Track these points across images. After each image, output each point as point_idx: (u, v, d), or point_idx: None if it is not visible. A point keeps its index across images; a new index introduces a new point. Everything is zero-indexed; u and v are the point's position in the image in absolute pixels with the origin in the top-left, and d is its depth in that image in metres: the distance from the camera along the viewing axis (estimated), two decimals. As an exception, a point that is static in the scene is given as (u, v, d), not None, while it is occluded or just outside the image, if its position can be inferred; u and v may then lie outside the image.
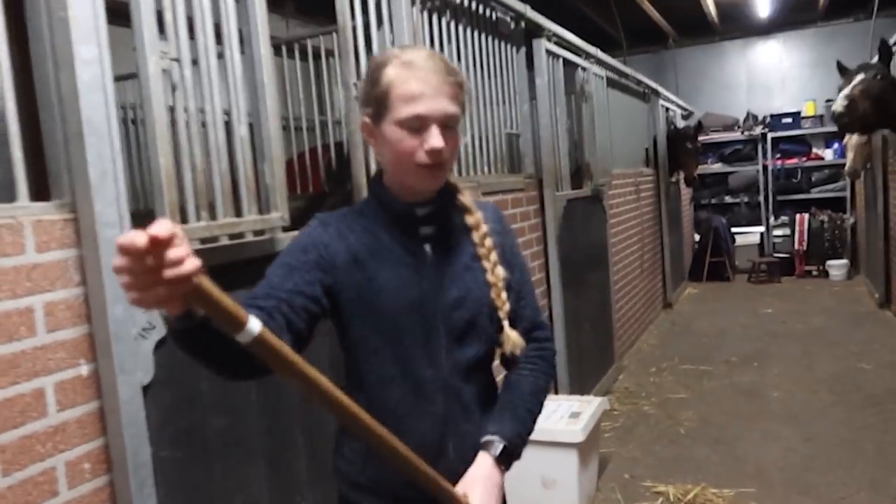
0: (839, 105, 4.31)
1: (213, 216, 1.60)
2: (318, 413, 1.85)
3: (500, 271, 1.23)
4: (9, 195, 1.29)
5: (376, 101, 1.14)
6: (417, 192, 1.20)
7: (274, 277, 1.13)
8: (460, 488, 1.14)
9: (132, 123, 3.45)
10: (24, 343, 1.29)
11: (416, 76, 1.11)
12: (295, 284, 1.12)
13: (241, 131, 1.67)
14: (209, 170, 1.59)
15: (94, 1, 1.35)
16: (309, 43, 3.76)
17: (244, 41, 1.71)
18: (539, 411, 1.28)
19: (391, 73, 1.13)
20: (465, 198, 1.26)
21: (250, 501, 1.69)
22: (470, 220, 1.24)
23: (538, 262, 3.76)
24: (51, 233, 1.35)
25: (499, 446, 1.19)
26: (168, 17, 1.50)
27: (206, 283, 0.77)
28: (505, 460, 1.20)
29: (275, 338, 0.84)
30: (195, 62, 1.57)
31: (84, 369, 1.39)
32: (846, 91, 4.35)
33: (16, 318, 1.28)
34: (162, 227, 0.72)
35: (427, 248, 1.21)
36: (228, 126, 1.66)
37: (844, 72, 4.73)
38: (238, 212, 1.67)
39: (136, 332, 1.42)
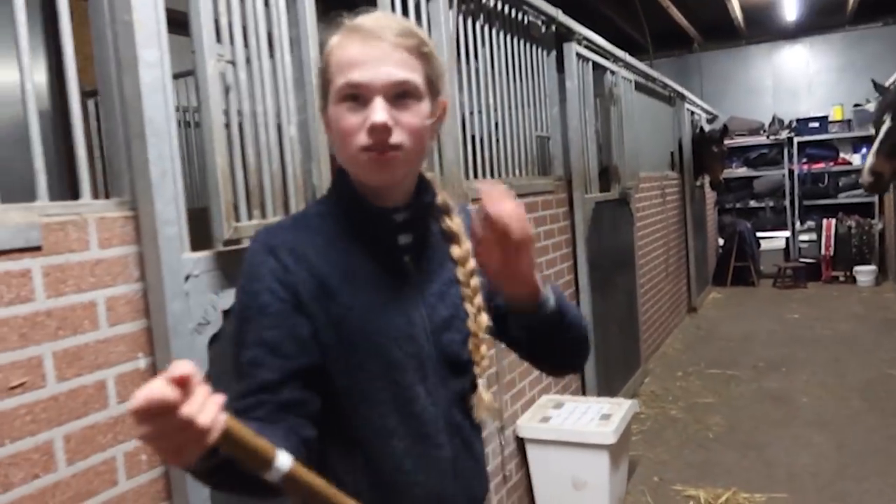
0: (865, 178, 4.56)
1: (263, 215, 1.64)
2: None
3: (483, 319, 1.02)
4: (29, 195, 1.31)
5: (321, 79, 0.96)
6: (385, 192, 0.97)
7: (262, 372, 0.91)
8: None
9: (180, 125, 3.50)
10: (87, 336, 1.33)
11: (357, 39, 0.91)
12: (290, 367, 0.92)
13: (291, 131, 1.71)
14: (260, 169, 1.63)
15: (157, 6, 1.39)
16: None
17: (293, 44, 1.74)
18: (580, 320, 1.08)
19: (333, 41, 0.94)
20: (447, 206, 1.05)
21: (296, 495, 1.72)
22: (456, 251, 1.03)
23: (567, 265, 3.77)
24: (112, 229, 1.39)
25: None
26: (224, 21, 1.54)
27: (234, 422, 0.71)
28: (558, 302, 1.00)
29: (304, 470, 0.76)
30: (248, 61, 1.60)
31: (142, 363, 1.43)
32: (869, 162, 4.54)
33: (80, 311, 1.32)
34: (182, 366, 0.64)
35: (406, 260, 1.01)
36: (279, 126, 1.69)
37: (881, 90, 4.82)
38: (287, 210, 1.71)
39: (192, 327, 1.46)
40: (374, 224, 0.99)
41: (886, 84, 7.13)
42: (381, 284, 0.98)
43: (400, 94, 0.92)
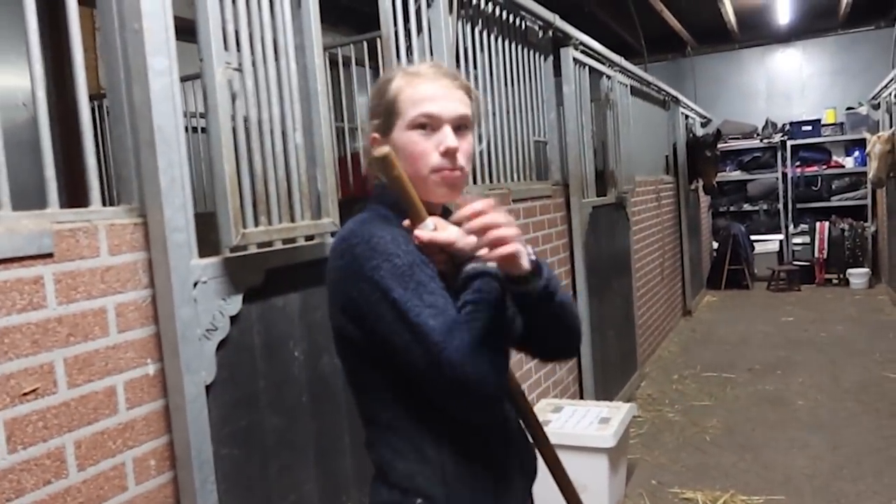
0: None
1: (269, 221, 1.65)
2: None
3: None
4: (40, 201, 1.32)
5: (385, 111, 1.13)
6: (430, 209, 1.12)
7: (449, 308, 1.02)
8: None
9: (186, 130, 3.50)
10: (97, 342, 1.34)
11: (423, 80, 1.11)
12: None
13: (297, 138, 1.72)
14: (266, 176, 1.64)
15: (166, 14, 1.41)
16: (339, 52, 3.82)
17: (298, 51, 1.76)
18: (570, 302, 1.20)
19: (398, 82, 1.13)
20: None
21: (302, 499, 1.73)
22: None
23: (564, 269, 3.79)
24: (122, 236, 1.40)
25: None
26: (230, 29, 1.55)
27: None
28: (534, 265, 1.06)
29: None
30: (254, 68, 1.62)
31: (151, 369, 1.44)
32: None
33: (91, 318, 1.33)
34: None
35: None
36: (284, 133, 1.70)
37: None
38: (292, 217, 1.72)
39: (201, 333, 1.47)
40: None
41: (878, 87, 7.21)
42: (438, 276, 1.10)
43: (459, 126, 1.12)
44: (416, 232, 1.06)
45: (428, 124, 1.10)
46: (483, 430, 1.11)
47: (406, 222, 1.08)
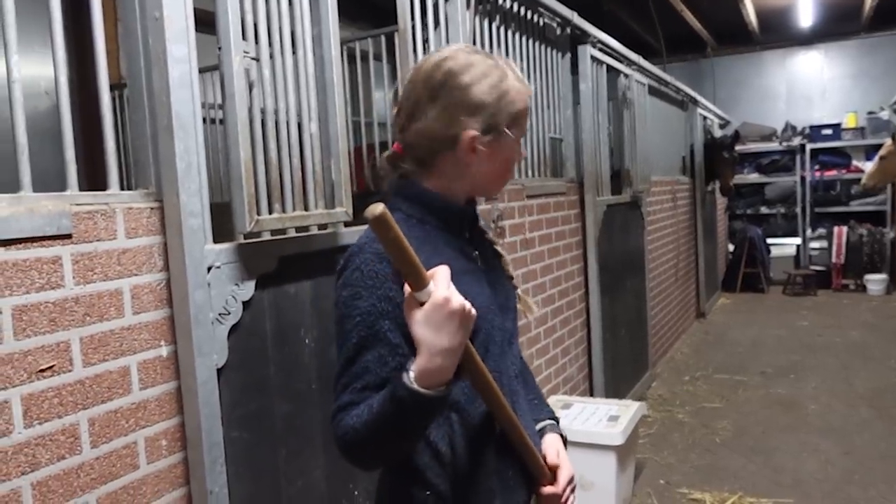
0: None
1: (283, 209, 1.67)
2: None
3: (530, 300, 1.31)
4: (59, 184, 1.35)
5: (508, 114, 1.09)
6: (459, 197, 1.16)
7: (382, 371, 0.99)
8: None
9: (203, 121, 3.53)
10: (112, 323, 1.37)
11: (525, 94, 1.13)
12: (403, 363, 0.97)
13: (312, 128, 1.74)
14: (281, 165, 1.66)
15: (185, 3, 1.43)
16: (357, 46, 3.84)
17: (315, 42, 1.78)
18: None
19: (516, 86, 1.10)
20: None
21: (310, 485, 1.76)
22: (500, 249, 1.26)
23: (577, 266, 3.78)
24: (139, 220, 1.42)
25: (558, 427, 1.29)
26: (249, 19, 1.57)
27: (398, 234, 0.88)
28: (565, 439, 1.30)
29: (471, 349, 0.97)
30: (272, 59, 1.64)
31: (164, 351, 1.47)
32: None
33: (107, 299, 1.36)
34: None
35: (474, 252, 1.18)
36: (299, 123, 1.72)
37: None
38: (306, 206, 1.74)
39: (214, 317, 1.49)
40: (458, 220, 1.15)
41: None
42: (465, 272, 1.11)
43: None
44: (411, 299, 0.93)
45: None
46: (497, 438, 1.12)
47: (406, 289, 0.94)
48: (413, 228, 1.08)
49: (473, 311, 0.92)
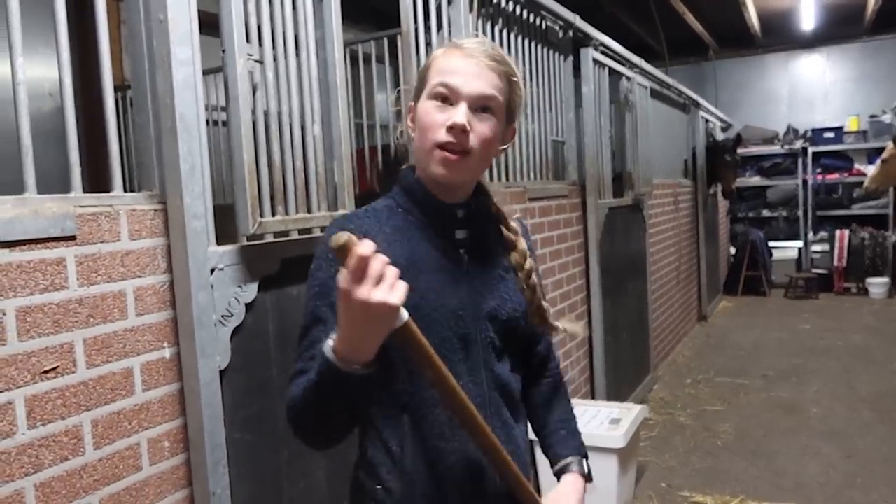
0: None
1: (286, 211, 1.67)
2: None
3: (545, 307, 1.20)
4: (61, 186, 1.35)
5: (420, 77, 1.12)
6: (449, 190, 1.10)
7: (318, 335, 1.01)
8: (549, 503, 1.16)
9: (206, 123, 3.53)
10: (116, 325, 1.37)
11: (459, 54, 1.07)
12: None
13: (315, 130, 1.75)
14: (284, 167, 1.67)
15: (190, 5, 1.44)
16: (360, 48, 3.84)
17: (318, 45, 1.78)
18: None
19: (437, 52, 1.11)
20: (502, 214, 1.20)
21: (311, 487, 1.76)
22: (514, 256, 1.18)
23: (579, 269, 3.79)
24: (142, 222, 1.43)
25: (582, 462, 1.23)
26: (253, 22, 1.58)
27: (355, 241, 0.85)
28: (589, 474, 1.24)
29: (416, 328, 0.89)
30: (275, 61, 1.64)
31: (167, 352, 1.47)
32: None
33: (110, 300, 1.36)
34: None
35: (462, 252, 1.12)
36: (302, 125, 1.73)
37: None
38: (309, 208, 1.74)
39: (216, 319, 1.50)
40: (438, 217, 1.11)
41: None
42: (438, 271, 1.09)
43: (481, 108, 1.06)
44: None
45: (447, 97, 1.04)
46: (446, 440, 1.08)
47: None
48: (394, 217, 1.10)
49: (391, 304, 0.82)
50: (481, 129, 1.05)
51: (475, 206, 1.14)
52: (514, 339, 1.17)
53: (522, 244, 1.18)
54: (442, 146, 1.04)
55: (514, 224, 1.20)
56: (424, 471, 1.07)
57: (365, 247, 0.81)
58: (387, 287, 0.82)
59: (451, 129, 1.02)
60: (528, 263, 1.18)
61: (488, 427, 1.01)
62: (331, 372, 0.89)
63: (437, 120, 1.04)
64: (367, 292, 0.81)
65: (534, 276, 1.18)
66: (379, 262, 0.82)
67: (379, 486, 1.08)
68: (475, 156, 1.06)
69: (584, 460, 1.24)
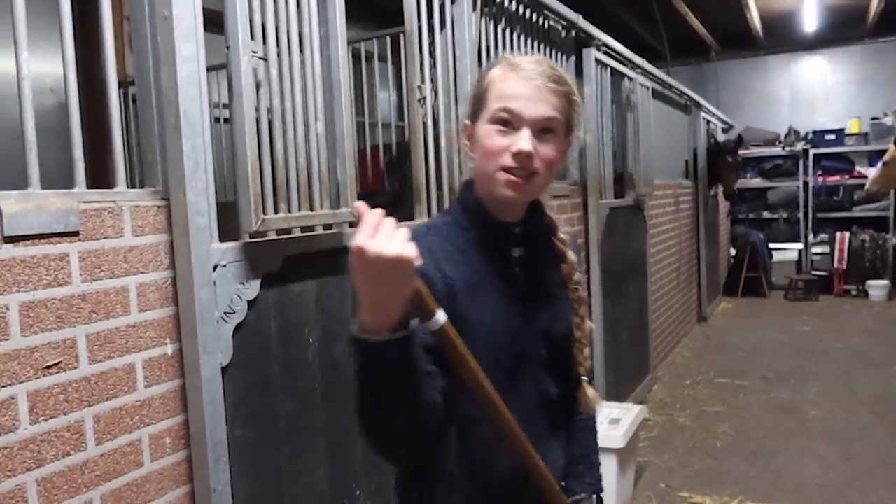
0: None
1: (289, 209, 1.67)
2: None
3: (588, 325, 1.19)
4: (63, 181, 1.35)
5: (475, 98, 1.12)
6: (507, 208, 1.12)
7: None
8: None
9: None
10: (119, 320, 1.37)
11: (518, 76, 1.06)
12: (425, 342, 0.94)
13: (318, 128, 1.75)
14: (287, 164, 1.67)
15: (194, 2, 1.44)
16: (363, 47, 3.84)
17: (322, 42, 1.78)
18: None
19: (495, 72, 1.10)
20: (554, 226, 1.19)
21: (312, 484, 1.76)
22: (564, 268, 1.17)
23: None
24: (146, 218, 1.43)
25: (593, 499, 1.27)
26: (257, 19, 1.58)
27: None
28: None
29: (454, 332, 0.90)
30: (279, 58, 1.64)
31: (169, 348, 1.47)
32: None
33: (113, 296, 1.36)
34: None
35: (517, 271, 1.13)
36: (306, 123, 1.73)
37: None
38: (311, 205, 1.74)
39: (219, 316, 1.50)
40: (496, 235, 1.12)
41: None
42: (495, 290, 1.10)
43: (544, 129, 1.06)
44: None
45: (509, 121, 1.05)
46: (491, 455, 1.09)
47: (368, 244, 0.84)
48: (453, 234, 1.11)
49: (406, 255, 0.79)
50: (545, 151, 1.06)
51: (531, 223, 1.16)
52: (563, 354, 1.18)
53: (571, 256, 1.19)
54: (507, 170, 1.05)
55: (564, 236, 1.21)
56: (468, 483, 1.09)
57: (376, 211, 0.81)
58: (400, 241, 0.80)
59: (517, 155, 1.04)
60: (577, 276, 1.19)
61: (529, 442, 1.03)
62: (363, 349, 0.86)
63: (500, 144, 1.05)
64: (382, 244, 0.79)
65: (580, 290, 1.19)
66: (391, 221, 0.82)
67: (422, 496, 1.10)
68: (541, 177, 1.07)
69: (597, 496, 1.27)
